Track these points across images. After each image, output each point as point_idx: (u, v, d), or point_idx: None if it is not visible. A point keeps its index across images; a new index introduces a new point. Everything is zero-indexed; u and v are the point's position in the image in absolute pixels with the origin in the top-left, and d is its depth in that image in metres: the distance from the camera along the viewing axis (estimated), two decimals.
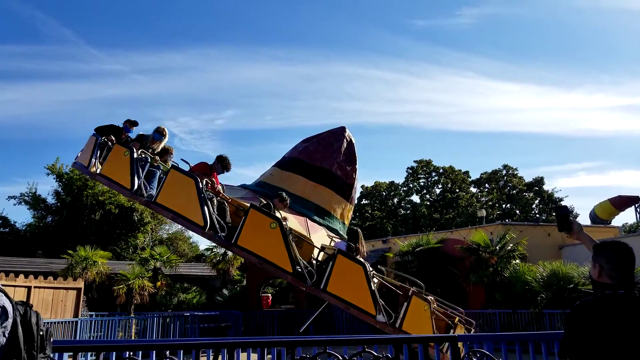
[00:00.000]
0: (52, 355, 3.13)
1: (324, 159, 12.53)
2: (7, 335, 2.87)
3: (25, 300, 3.15)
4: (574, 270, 15.71)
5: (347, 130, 13.34)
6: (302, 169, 12.52)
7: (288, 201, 9.85)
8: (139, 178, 9.55)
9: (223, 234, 8.91)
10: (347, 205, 13.02)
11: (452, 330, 9.70)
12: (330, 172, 12.49)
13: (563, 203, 49.48)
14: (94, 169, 10.32)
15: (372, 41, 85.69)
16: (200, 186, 8.85)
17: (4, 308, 2.88)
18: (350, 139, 13.20)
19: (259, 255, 8.70)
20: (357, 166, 13.22)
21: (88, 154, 10.56)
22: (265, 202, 9.65)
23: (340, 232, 12.54)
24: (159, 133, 10.47)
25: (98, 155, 10.39)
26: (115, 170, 9.83)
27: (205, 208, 8.79)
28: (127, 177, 9.56)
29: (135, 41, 79.66)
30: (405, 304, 9.21)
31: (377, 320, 8.73)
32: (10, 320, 2.90)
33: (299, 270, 8.77)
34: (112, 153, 10.03)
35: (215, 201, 9.27)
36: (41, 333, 3.06)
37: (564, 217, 3.37)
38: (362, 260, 9.35)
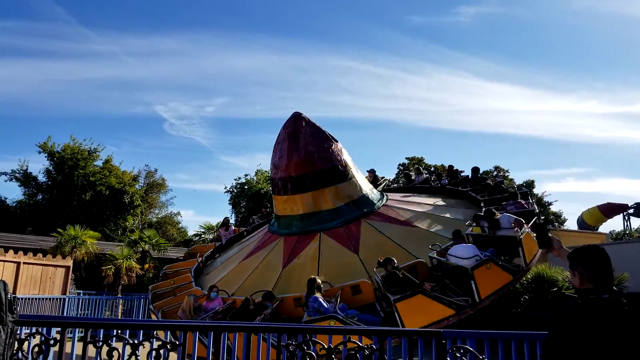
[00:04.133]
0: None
1: (301, 163, 12.57)
2: None
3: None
4: (558, 274, 15.87)
5: (299, 116, 13.26)
6: (295, 185, 12.62)
7: None
8: None
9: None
10: (352, 180, 13.06)
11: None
12: (314, 173, 12.53)
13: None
14: None
15: (368, 36, 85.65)
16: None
17: None
18: (307, 121, 13.18)
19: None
20: (331, 138, 13.17)
21: None
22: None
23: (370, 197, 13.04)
24: None
25: None
26: None
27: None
28: None
29: (127, 22, 78.71)
30: None
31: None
32: None
33: None
34: None
35: None
36: (9, 297, 3.29)
37: (544, 233, 3.43)
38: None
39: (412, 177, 18.64)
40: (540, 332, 5.64)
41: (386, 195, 14.24)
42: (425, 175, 17.79)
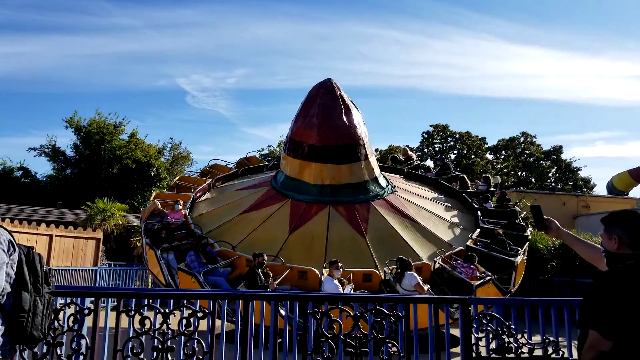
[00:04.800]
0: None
1: (326, 134, 12.38)
2: (14, 268, 3.11)
3: (33, 248, 3.45)
4: (586, 240, 15.71)
5: (331, 84, 12.99)
6: (318, 154, 12.51)
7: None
8: None
9: None
10: (368, 160, 13.00)
11: None
12: (337, 147, 12.43)
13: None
14: None
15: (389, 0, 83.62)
16: None
17: (11, 242, 3.11)
18: (337, 90, 12.93)
19: None
20: (356, 111, 13.01)
21: None
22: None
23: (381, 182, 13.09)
24: None
25: None
26: None
27: None
28: None
29: None
30: None
31: None
32: (16, 254, 3.13)
33: None
34: None
35: None
36: (45, 270, 3.34)
37: (539, 216, 3.37)
38: None
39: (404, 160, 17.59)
40: (567, 298, 5.61)
41: (391, 183, 13.94)
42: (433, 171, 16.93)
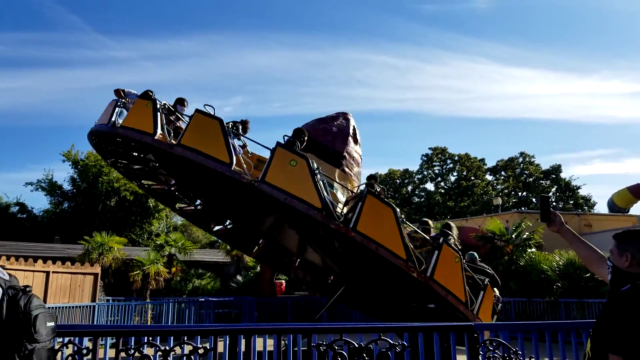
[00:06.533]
0: (44, 339, 3.02)
1: (318, 134, 12.16)
2: None
3: (28, 285, 3.13)
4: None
5: (349, 115, 12.92)
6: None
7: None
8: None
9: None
10: (336, 171, 12.48)
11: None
12: (319, 143, 12.06)
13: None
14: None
15: (382, 27, 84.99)
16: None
17: None
18: (350, 123, 12.80)
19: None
20: (351, 139, 12.65)
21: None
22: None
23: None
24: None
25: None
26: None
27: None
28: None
29: (142, 27, 79.88)
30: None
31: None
32: None
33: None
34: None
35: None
36: (29, 317, 2.95)
37: (546, 207, 3.31)
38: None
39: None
40: (574, 321, 5.50)
41: None
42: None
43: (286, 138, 9.87)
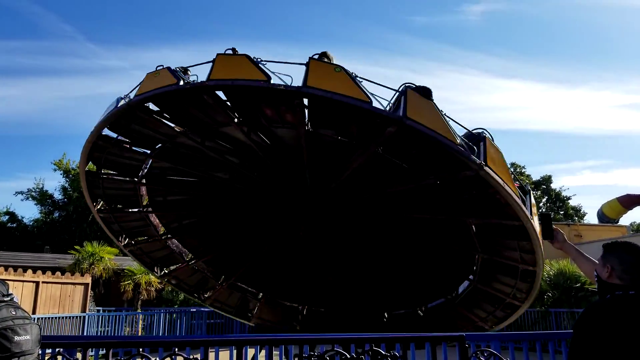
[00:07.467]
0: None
1: None
2: None
3: (10, 292, 2.80)
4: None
5: None
6: None
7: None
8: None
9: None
10: None
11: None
12: None
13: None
14: None
15: (372, 38, 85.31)
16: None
17: None
18: None
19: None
20: None
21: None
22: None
23: None
24: None
25: None
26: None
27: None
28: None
29: (134, 37, 79.35)
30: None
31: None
32: None
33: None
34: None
35: None
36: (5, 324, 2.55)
37: (548, 224, 3.36)
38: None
39: None
40: (564, 331, 5.53)
41: None
42: None
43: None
